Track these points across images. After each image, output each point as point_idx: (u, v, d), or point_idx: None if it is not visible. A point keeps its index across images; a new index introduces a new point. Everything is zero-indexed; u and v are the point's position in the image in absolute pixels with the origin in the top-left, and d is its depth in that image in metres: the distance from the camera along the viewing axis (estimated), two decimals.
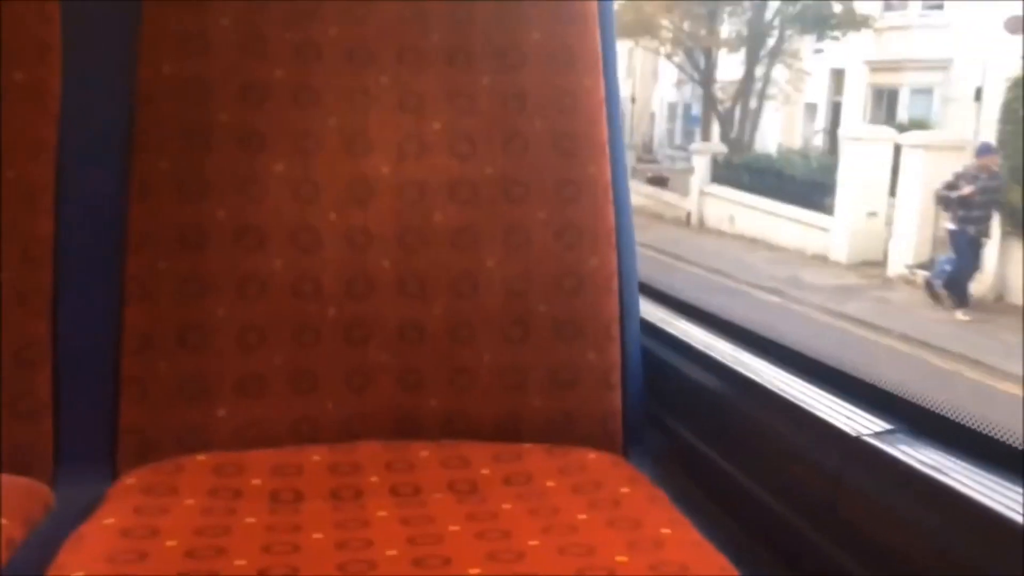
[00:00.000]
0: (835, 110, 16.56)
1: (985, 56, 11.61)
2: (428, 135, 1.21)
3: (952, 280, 9.09)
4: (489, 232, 1.20)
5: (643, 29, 17.73)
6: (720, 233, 13.78)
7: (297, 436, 1.15)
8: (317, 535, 0.94)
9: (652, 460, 1.20)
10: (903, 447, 0.89)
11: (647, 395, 1.26)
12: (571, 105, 1.24)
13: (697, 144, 16.47)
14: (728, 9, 17.72)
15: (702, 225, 14.39)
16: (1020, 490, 0.78)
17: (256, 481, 1.05)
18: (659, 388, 1.27)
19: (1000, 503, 0.76)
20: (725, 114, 17.92)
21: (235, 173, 1.15)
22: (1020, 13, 10.95)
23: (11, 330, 1.08)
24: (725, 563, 0.88)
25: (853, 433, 0.93)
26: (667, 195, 15.75)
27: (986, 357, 7.22)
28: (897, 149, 10.90)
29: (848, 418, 0.97)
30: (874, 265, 10.85)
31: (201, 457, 1.09)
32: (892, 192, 11.00)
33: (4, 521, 0.92)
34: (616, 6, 1.35)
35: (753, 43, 17.25)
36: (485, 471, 1.10)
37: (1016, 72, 9.82)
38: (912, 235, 10.38)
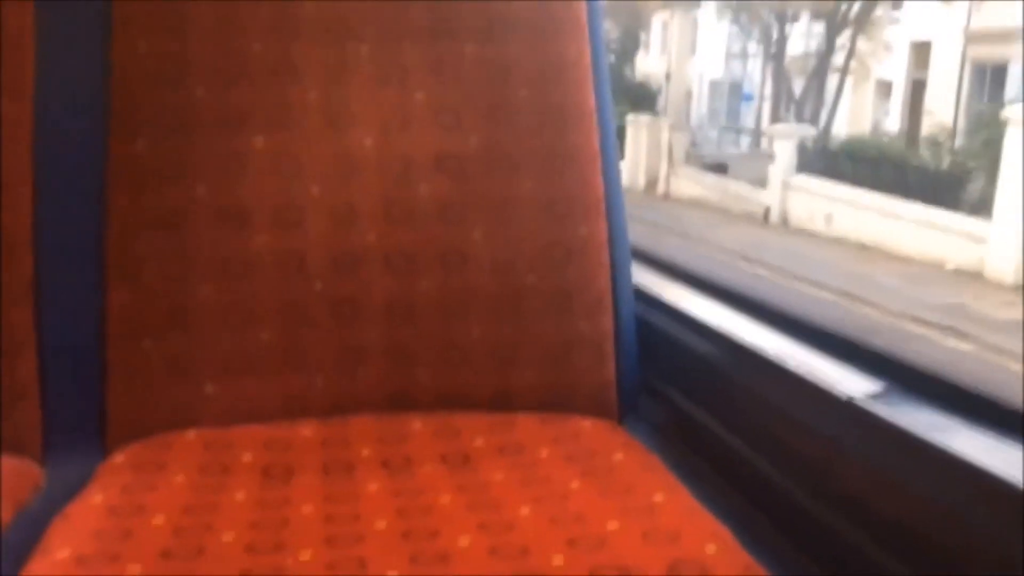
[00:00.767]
0: (916, 88, 14.38)
1: None
2: (411, 107, 1.19)
3: None
4: (476, 205, 1.19)
5: None
6: (812, 235, 11.47)
7: (287, 413, 1.14)
8: (306, 509, 0.93)
9: (648, 428, 1.19)
10: (896, 407, 0.87)
11: (642, 364, 1.25)
12: (557, 75, 1.23)
13: (780, 126, 14.08)
14: None
15: (786, 224, 12.25)
16: (1019, 449, 0.77)
17: (246, 457, 1.04)
18: (654, 357, 1.26)
19: (994, 461, 0.75)
20: (802, 93, 15.81)
21: (215, 151, 1.14)
22: None
23: None
24: (719, 528, 0.87)
25: (845, 396, 0.91)
26: (733, 185, 13.78)
27: None
28: None
29: (841, 380, 0.95)
30: None
31: (191, 434, 1.08)
32: None
33: None
34: None
35: (834, 9, 15.04)
36: (478, 442, 1.09)
37: None
38: None
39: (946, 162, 10.68)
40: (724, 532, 0.86)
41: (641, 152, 16.22)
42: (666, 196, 15.38)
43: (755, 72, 19.59)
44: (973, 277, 8.57)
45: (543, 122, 1.21)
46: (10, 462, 1.03)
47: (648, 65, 22.62)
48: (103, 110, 1.13)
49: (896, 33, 14.90)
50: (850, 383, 0.94)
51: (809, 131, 13.44)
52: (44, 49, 1.12)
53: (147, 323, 1.12)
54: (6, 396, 1.07)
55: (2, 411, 1.07)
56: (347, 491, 0.97)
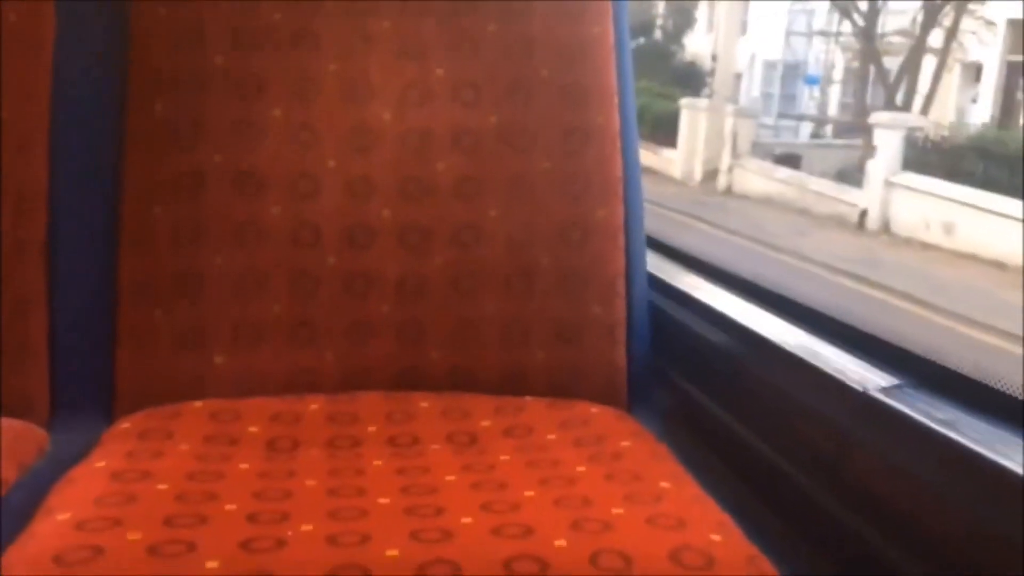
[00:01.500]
0: (1011, 71, 12.43)
1: None
2: (431, 82, 1.18)
3: None
4: (492, 182, 1.18)
5: None
6: (928, 248, 9.16)
7: (296, 387, 1.14)
8: (310, 482, 0.92)
9: (657, 416, 1.18)
10: (911, 402, 0.86)
11: (653, 350, 1.24)
12: (579, 54, 1.21)
13: (884, 115, 11.47)
14: None
15: (887, 231, 9.92)
16: None
17: (253, 428, 1.04)
18: (666, 344, 1.25)
19: (1008, 458, 0.74)
20: (896, 75, 13.60)
21: (232, 118, 1.13)
22: None
23: (6, 279, 1.07)
24: (724, 518, 0.86)
25: (860, 388, 0.90)
26: (815, 181, 11.66)
27: None
28: None
29: (856, 373, 0.94)
30: None
31: (198, 404, 1.08)
32: None
33: None
34: None
35: None
36: (485, 423, 1.08)
37: None
38: None
39: None
40: (729, 522, 0.85)
41: (698, 140, 14.20)
42: (729, 191, 13.42)
43: (822, 52, 17.49)
44: None
45: (563, 101, 1.19)
46: (15, 425, 1.03)
47: (698, 44, 20.42)
48: (121, 73, 1.12)
49: (991, 10, 12.80)
50: (864, 375, 0.92)
51: (919, 121, 11.09)
52: (63, 12, 1.12)
53: (158, 291, 1.11)
54: (15, 358, 1.07)
55: (10, 373, 1.07)
56: (352, 466, 0.97)
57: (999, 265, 8.10)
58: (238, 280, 1.12)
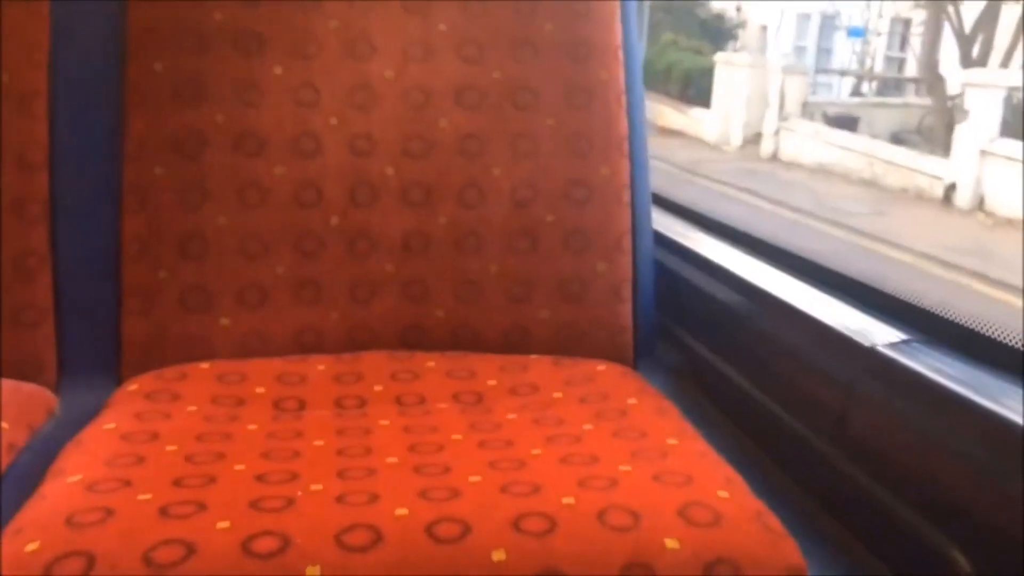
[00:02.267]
0: None
1: None
2: (434, 39, 1.16)
3: None
4: (496, 139, 1.17)
5: None
6: None
7: (301, 347, 1.14)
8: (318, 442, 0.93)
9: (662, 373, 1.18)
10: (918, 357, 0.86)
11: (659, 308, 1.24)
12: (583, 9, 1.19)
13: (979, 72, 9.61)
14: None
15: (982, 209, 8.14)
16: None
17: (259, 389, 1.04)
18: (672, 301, 1.25)
19: (1013, 411, 0.73)
20: (974, 26, 11.81)
21: (233, 76, 1.12)
22: None
23: (9, 239, 1.07)
24: (732, 473, 0.86)
25: (867, 344, 0.90)
26: (885, 149, 9.84)
27: None
28: None
29: (863, 329, 0.94)
30: None
31: (204, 365, 1.08)
32: None
33: (5, 425, 0.92)
34: None
35: None
36: (491, 382, 1.08)
37: None
38: None
39: None
40: (736, 477, 0.86)
41: (737, 100, 12.51)
42: (775, 158, 11.74)
43: (863, 3, 15.54)
44: None
45: (568, 57, 1.18)
46: (24, 387, 1.03)
47: None
48: (121, 32, 1.11)
49: None
50: (872, 331, 0.92)
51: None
52: None
53: (162, 252, 1.11)
54: (21, 320, 1.07)
55: (17, 336, 1.07)
56: (360, 426, 0.97)
57: None
58: (241, 241, 1.12)
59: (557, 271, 1.18)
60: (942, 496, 0.78)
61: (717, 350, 1.16)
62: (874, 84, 15.10)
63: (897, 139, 10.64)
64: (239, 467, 0.86)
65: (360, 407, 1.02)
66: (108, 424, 0.94)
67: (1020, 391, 0.77)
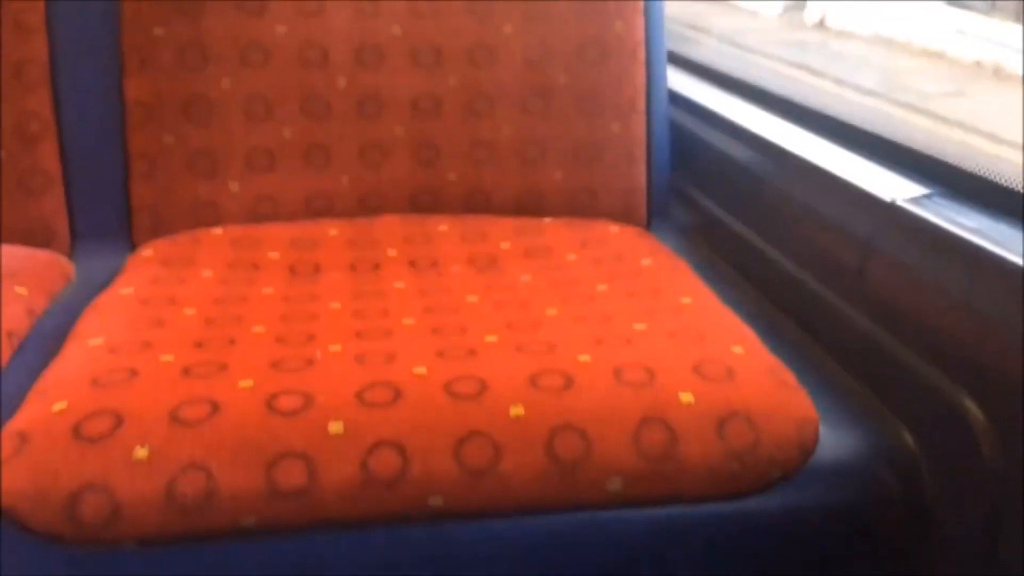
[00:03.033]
0: None
1: None
2: None
3: None
4: None
5: None
6: None
7: (312, 211, 1.13)
8: (334, 304, 0.93)
9: (676, 233, 1.18)
10: (939, 210, 0.85)
11: (674, 168, 1.22)
12: None
13: None
14: None
15: None
16: None
17: (273, 254, 1.04)
18: (687, 161, 1.23)
19: None
20: None
21: None
22: None
23: (10, 104, 1.05)
24: (746, 330, 0.87)
25: (887, 198, 0.88)
26: (955, 15, 8.18)
27: None
28: None
29: (880, 183, 0.92)
30: None
31: (217, 231, 1.08)
32: None
33: (25, 291, 0.93)
34: None
35: None
36: (505, 244, 1.08)
37: None
38: None
39: None
40: (750, 334, 0.86)
41: None
42: (823, 26, 10.03)
43: None
44: None
45: None
46: (41, 254, 1.03)
47: None
48: None
49: None
50: (893, 185, 0.91)
51: None
52: None
53: (166, 115, 1.09)
54: (30, 187, 1.07)
55: (27, 203, 1.07)
56: (375, 289, 0.97)
57: None
58: (247, 103, 1.10)
59: (570, 133, 1.16)
60: (957, 348, 0.78)
61: (732, 210, 1.15)
62: None
63: (957, 2, 9.06)
64: (258, 329, 0.87)
65: (375, 270, 1.03)
66: (125, 289, 0.94)
67: None
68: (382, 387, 0.74)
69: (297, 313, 0.91)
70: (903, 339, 0.83)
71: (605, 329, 0.86)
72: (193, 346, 0.81)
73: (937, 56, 8.36)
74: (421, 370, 0.76)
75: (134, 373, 0.75)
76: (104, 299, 0.92)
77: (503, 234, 1.10)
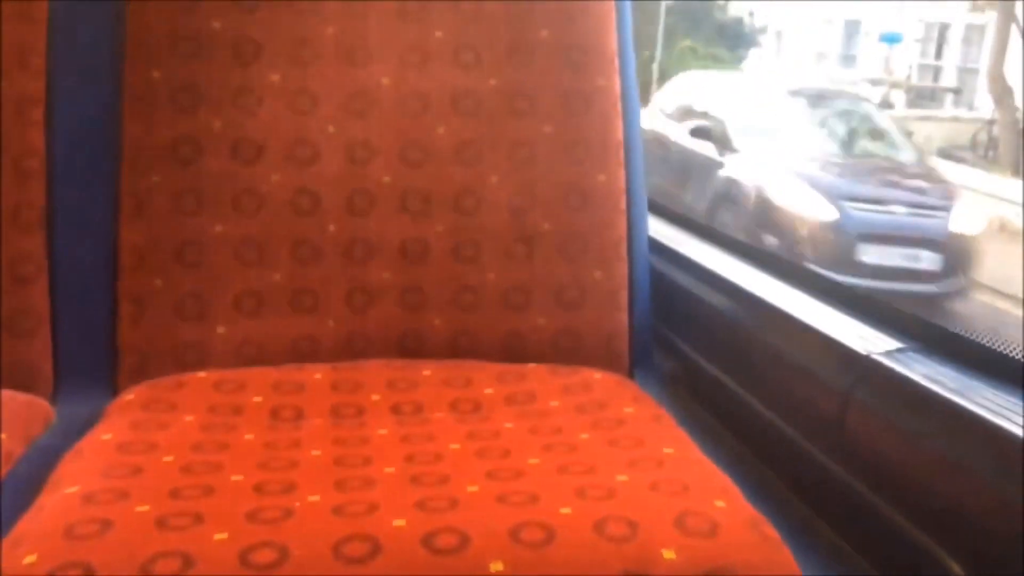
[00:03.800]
0: None
1: None
2: (430, 45, 1.17)
3: None
4: (493, 146, 1.17)
5: None
6: None
7: (298, 355, 1.14)
8: (315, 452, 0.93)
9: (659, 381, 1.18)
10: (915, 365, 0.86)
11: (655, 316, 1.24)
12: (581, 15, 1.20)
13: None
14: None
15: None
16: None
17: (256, 398, 1.04)
18: (668, 309, 1.25)
19: (1011, 421, 0.74)
20: None
21: (230, 83, 1.12)
22: None
23: (5, 246, 1.07)
24: (728, 483, 0.86)
25: (864, 352, 0.90)
26: (954, 170, 8.05)
27: None
28: None
29: (858, 337, 0.94)
30: None
31: (201, 374, 1.08)
32: None
33: (3, 436, 0.92)
34: None
35: None
36: (488, 390, 1.09)
37: None
38: None
39: None
40: (732, 487, 0.86)
41: None
42: None
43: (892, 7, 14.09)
44: None
45: (563, 63, 1.18)
46: (21, 398, 1.03)
47: None
48: (119, 39, 1.11)
49: None
50: (868, 339, 0.92)
51: None
52: None
53: (159, 259, 1.11)
54: (17, 329, 1.07)
55: (13, 345, 1.07)
56: (357, 435, 0.97)
57: None
58: (238, 248, 1.12)
59: (554, 278, 1.18)
60: (938, 504, 0.78)
61: (713, 358, 1.17)
62: (900, 95, 14.01)
63: (945, 156, 9.69)
64: (236, 477, 0.86)
65: (358, 416, 1.02)
66: (105, 434, 0.93)
67: (1017, 401, 0.78)
68: (360, 540, 0.73)
69: (277, 460, 0.90)
70: (883, 494, 0.83)
71: (587, 480, 0.86)
72: (169, 495, 0.80)
73: None
74: (400, 522, 0.76)
75: (108, 524, 0.74)
76: (83, 445, 0.91)
77: (486, 380, 1.11)
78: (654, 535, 0.75)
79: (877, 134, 6.59)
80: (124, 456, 0.89)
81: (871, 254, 4.85)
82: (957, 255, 5.00)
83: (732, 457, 0.97)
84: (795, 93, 6.89)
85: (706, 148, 5.89)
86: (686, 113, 6.58)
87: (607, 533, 0.75)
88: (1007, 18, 12.07)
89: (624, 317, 1.20)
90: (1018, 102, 10.84)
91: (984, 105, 12.23)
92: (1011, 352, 0.84)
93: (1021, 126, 9.75)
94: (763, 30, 17.36)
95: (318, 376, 1.10)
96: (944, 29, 14.19)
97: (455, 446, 0.94)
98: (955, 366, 0.85)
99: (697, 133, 6.12)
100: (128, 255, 1.11)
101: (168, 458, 0.89)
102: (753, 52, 16.02)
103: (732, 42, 15.71)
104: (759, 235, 5.06)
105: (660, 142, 6.38)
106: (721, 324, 1.16)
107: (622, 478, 0.86)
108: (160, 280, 1.11)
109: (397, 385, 1.09)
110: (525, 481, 0.85)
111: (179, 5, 1.12)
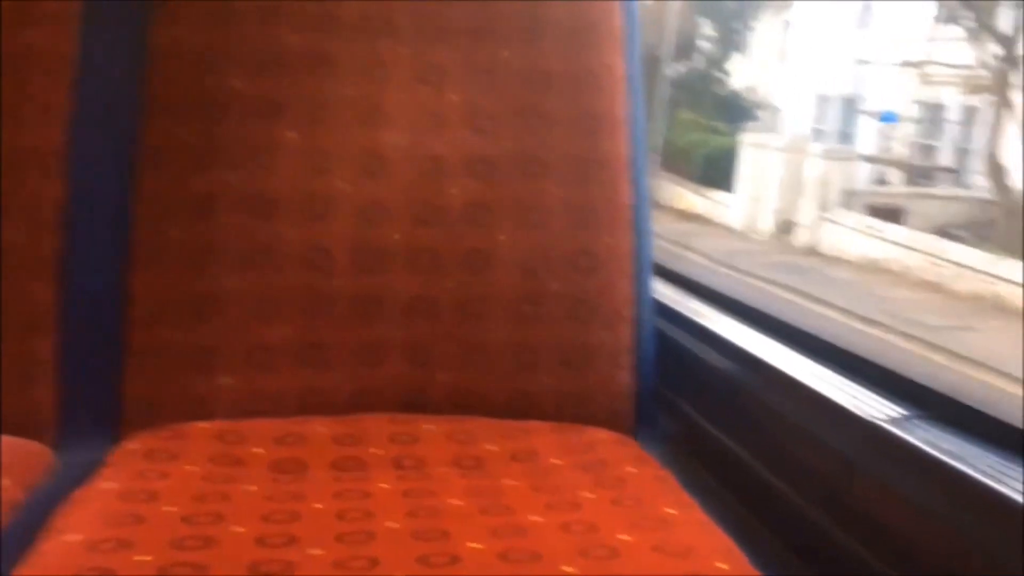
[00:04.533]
0: None
1: None
2: (445, 108, 1.19)
3: None
4: (504, 208, 1.19)
5: None
6: None
7: (304, 408, 1.14)
8: (317, 505, 0.92)
9: (662, 442, 1.18)
10: (919, 433, 0.86)
11: (659, 377, 1.24)
12: (592, 82, 1.23)
13: None
14: None
15: None
16: None
17: (258, 450, 1.04)
18: (672, 370, 1.25)
19: (1014, 489, 0.74)
20: None
21: (247, 140, 1.14)
22: None
23: (16, 293, 1.08)
24: (731, 545, 0.86)
25: (868, 418, 0.90)
26: (955, 249, 8.61)
27: None
28: None
29: (863, 403, 0.94)
30: None
31: (204, 424, 1.08)
32: None
33: (5, 482, 0.92)
34: None
35: None
36: (491, 447, 1.09)
37: None
38: None
39: None
40: (735, 549, 0.85)
41: (767, 185, 11.59)
42: (814, 251, 10.69)
43: (888, 85, 14.36)
44: None
45: (575, 129, 1.21)
46: (23, 444, 1.03)
47: (748, 73, 17.50)
48: (140, 95, 1.13)
49: None
50: (873, 405, 0.93)
51: None
52: (86, 30, 1.13)
53: (170, 312, 1.12)
54: (22, 376, 1.08)
55: (17, 392, 1.07)
56: (358, 489, 0.97)
57: None
58: (250, 302, 1.13)
59: (560, 339, 1.19)
60: (940, 572, 0.77)
61: (716, 420, 1.17)
62: (896, 173, 14.21)
63: (945, 234, 9.73)
64: (238, 529, 0.85)
65: (359, 470, 1.02)
66: (106, 483, 0.93)
67: (1019, 469, 0.78)
68: None
69: (279, 513, 0.90)
70: (886, 560, 0.82)
71: (590, 539, 0.85)
72: (171, 546, 0.80)
73: (936, 287, 8.28)
74: None
75: (110, 573, 0.74)
76: (84, 493, 0.91)
77: (489, 436, 1.11)
78: None
79: None
80: (125, 505, 0.88)
81: None
82: None
83: (735, 519, 0.97)
84: None
85: None
86: None
87: None
88: (1000, 103, 12.23)
89: (628, 378, 1.20)
90: (1012, 183, 10.84)
91: (979, 183, 12.34)
92: (1014, 421, 0.84)
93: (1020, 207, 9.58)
94: (761, 105, 17.48)
95: (320, 429, 1.10)
96: (939, 110, 14.48)
97: (457, 502, 0.94)
98: (958, 434, 0.86)
99: None
100: (138, 306, 1.12)
101: (170, 508, 0.89)
102: (751, 126, 16.14)
103: (731, 115, 15.93)
104: None
105: None
106: (725, 387, 1.16)
107: (624, 538, 0.85)
108: (169, 332, 1.12)
109: (399, 439, 1.09)
110: (527, 539, 0.85)
111: (201, 65, 1.14)
